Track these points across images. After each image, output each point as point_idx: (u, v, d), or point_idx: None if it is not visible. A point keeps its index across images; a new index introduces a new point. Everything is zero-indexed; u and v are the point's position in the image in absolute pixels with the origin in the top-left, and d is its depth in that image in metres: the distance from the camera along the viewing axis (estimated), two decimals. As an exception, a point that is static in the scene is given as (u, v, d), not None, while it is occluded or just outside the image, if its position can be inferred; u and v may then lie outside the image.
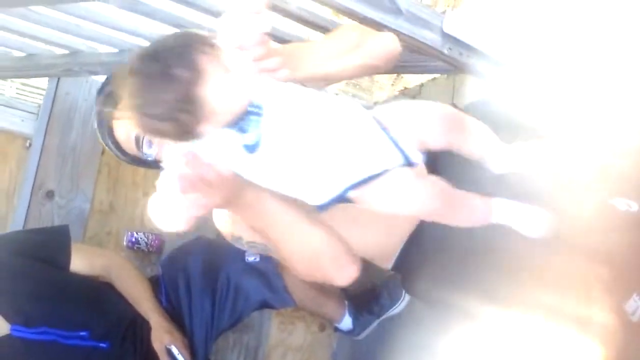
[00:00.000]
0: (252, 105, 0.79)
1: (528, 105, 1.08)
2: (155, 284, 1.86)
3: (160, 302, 1.80)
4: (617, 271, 0.90)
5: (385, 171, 0.85)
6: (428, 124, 0.89)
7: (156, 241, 2.25)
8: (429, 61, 1.65)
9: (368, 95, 2.82)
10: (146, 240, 2.23)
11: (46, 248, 1.77)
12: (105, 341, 1.69)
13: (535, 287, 0.92)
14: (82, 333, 1.65)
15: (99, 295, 1.76)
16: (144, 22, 1.61)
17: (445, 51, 1.56)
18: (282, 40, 1.53)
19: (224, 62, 0.76)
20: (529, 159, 0.94)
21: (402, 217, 1.07)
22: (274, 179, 0.86)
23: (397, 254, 1.14)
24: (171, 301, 1.83)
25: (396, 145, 0.86)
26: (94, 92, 1.57)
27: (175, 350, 1.67)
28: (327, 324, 2.28)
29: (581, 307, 0.89)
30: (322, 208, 0.88)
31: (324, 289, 1.98)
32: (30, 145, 2.24)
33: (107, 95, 1.09)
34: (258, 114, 0.80)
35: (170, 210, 0.79)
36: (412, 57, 1.64)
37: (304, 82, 0.88)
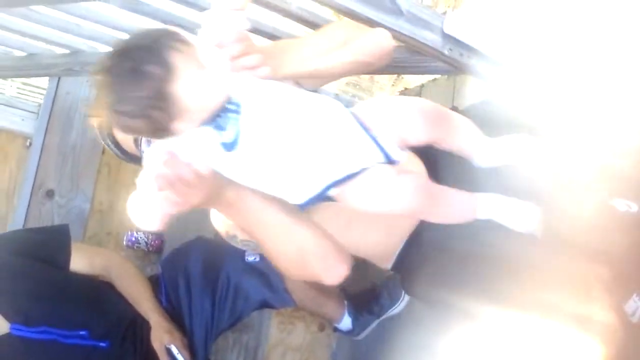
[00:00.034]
0: (229, 102, 0.79)
1: (529, 106, 1.08)
2: (155, 283, 1.86)
3: (160, 301, 1.80)
4: (617, 271, 0.90)
5: (364, 169, 0.84)
6: (407, 119, 0.86)
7: (156, 241, 2.25)
8: (429, 62, 1.65)
9: (368, 95, 2.82)
10: (146, 240, 2.23)
11: (46, 247, 1.77)
12: (105, 341, 1.68)
13: (535, 287, 0.92)
14: (81, 332, 1.65)
15: (98, 294, 1.75)
16: (144, 22, 1.61)
17: (446, 52, 1.56)
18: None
19: (197, 59, 0.75)
20: (514, 152, 0.92)
21: (402, 217, 1.07)
22: (253, 177, 0.85)
23: (396, 254, 1.13)
24: (171, 301, 1.82)
25: (375, 142, 0.85)
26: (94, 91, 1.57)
27: (175, 350, 1.67)
28: (326, 323, 2.27)
29: (581, 307, 0.89)
30: (304, 206, 0.87)
31: (323, 289, 1.98)
32: (30, 144, 2.23)
33: None
34: (236, 112, 0.79)
35: (146, 208, 0.80)
36: (413, 58, 1.64)
37: (290, 80, 0.88)
